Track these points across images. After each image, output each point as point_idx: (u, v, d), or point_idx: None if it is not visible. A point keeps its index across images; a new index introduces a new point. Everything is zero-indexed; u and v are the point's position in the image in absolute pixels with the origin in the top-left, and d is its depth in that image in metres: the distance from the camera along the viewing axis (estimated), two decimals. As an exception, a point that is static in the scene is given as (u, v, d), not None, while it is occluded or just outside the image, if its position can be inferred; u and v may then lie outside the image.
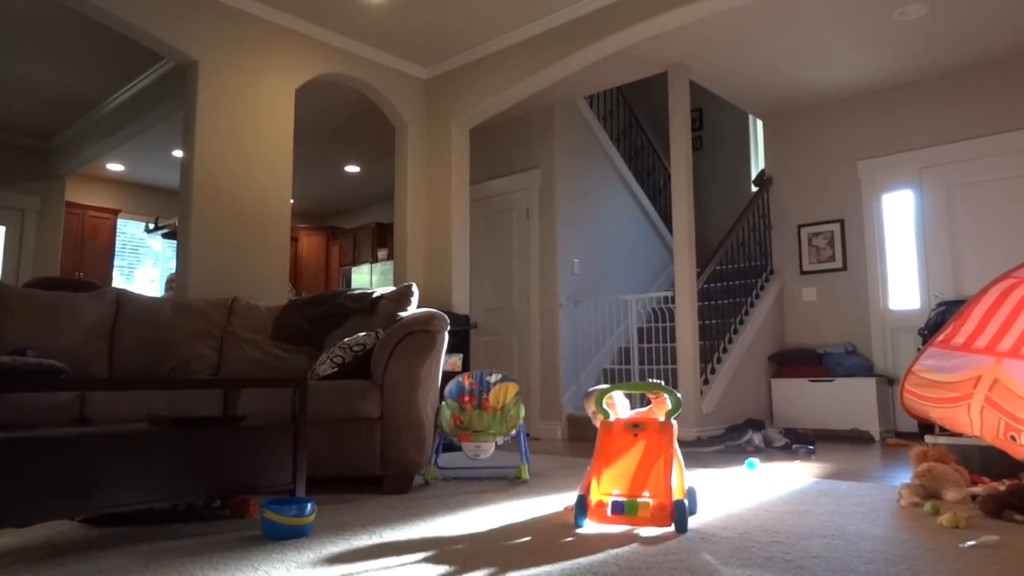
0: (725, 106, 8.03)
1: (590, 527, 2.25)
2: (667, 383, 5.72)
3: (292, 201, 5.02)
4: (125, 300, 3.68)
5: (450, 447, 3.61)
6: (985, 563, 1.85)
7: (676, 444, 2.39)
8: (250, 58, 4.70)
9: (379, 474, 3.01)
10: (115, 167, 8.04)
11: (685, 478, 2.45)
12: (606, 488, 2.28)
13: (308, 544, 2.08)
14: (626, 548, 2.00)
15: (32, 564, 1.89)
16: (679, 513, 2.16)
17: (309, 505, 2.21)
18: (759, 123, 7.93)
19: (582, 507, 2.26)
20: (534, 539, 2.13)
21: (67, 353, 3.29)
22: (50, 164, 7.48)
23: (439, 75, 5.72)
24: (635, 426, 2.34)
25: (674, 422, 2.36)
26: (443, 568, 1.82)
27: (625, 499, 2.21)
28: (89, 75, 5.87)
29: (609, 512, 2.20)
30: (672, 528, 2.19)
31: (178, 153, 7.48)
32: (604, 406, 2.46)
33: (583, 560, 1.88)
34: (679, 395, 2.39)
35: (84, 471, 1.97)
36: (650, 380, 2.49)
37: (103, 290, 3.75)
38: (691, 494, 2.46)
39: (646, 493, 2.23)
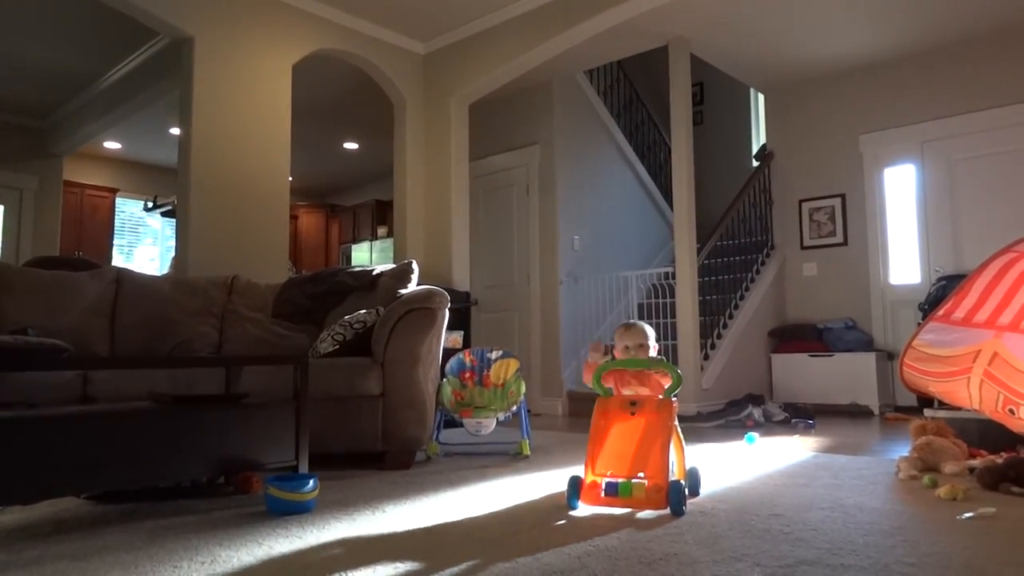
0: (726, 80, 7.93)
1: (585, 509, 2.16)
2: (667, 359, 5.73)
3: (291, 179, 4.99)
4: (125, 278, 3.68)
5: (451, 423, 3.63)
6: (982, 534, 1.87)
7: (677, 422, 2.28)
8: (246, 34, 4.65)
9: (381, 450, 3.03)
10: (112, 145, 8.00)
11: (687, 458, 2.36)
12: (601, 469, 2.15)
13: (311, 519, 2.10)
14: (624, 525, 2.02)
15: (38, 541, 1.91)
16: (675, 495, 2.06)
17: (312, 481, 2.23)
18: (760, 97, 7.85)
19: (575, 489, 2.15)
20: (526, 521, 2.14)
21: (68, 332, 3.29)
22: (47, 143, 7.44)
23: (437, 50, 5.66)
24: (633, 404, 2.22)
25: (674, 399, 2.24)
26: (436, 556, 1.84)
27: (619, 480, 2.10)
28: (84, 52, 5.81)
29: (603, 494, 2.10)
30: (668, 511, 2.09)
31: (175, 131, 7.43)
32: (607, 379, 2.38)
33: (589, 542, 1.89)
34: (680, 372, 2.26)
35: (88, 449, 1.99)
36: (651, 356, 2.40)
37: (103, 269, 3.75)
38: (693, 475, 2.35)
39: (642, 474, 2.10)
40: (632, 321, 2.52)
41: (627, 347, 2.38)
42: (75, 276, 3.54)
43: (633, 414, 2.19)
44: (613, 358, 2.43)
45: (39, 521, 2.14)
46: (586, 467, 2.17)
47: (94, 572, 1.62)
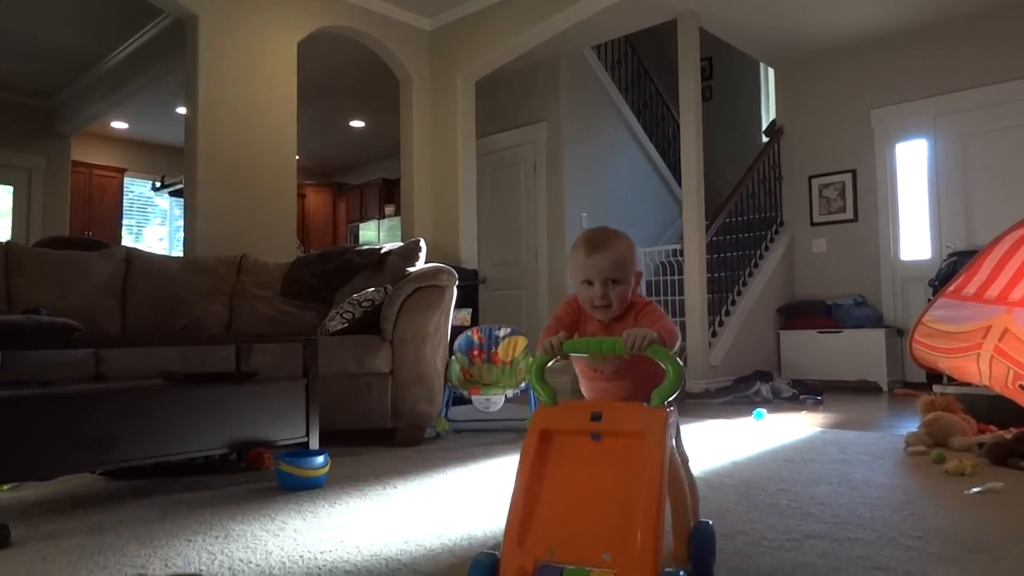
0: (736, 54, 7.83)
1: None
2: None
3: (297, 157, 4.99)
4: (135, 258, 3.70)
5: (460, 400, 3.66)
6: (989, 509, 1.87)
7: (676, 444, 1.31)
8: (251, 11, 4.62)
9: (391, 427, 3.05)
10: (119, 125, 7.99)
11: (698, 502, 1.47)
12: (536, 542, 1.13)
13: (323, 495, 2.12)
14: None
15: (56, 515, 1.95)
16: None
17: (323, 457, 2.25)
18: (771, 72, 7.75)
19: None
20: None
21: (79, 311, 3.31)
22: (54, 123, 7.44)
23: (443, 26, 5.60)
24: (596, 417, 1.21)
25: (670, 407, 1.24)
26: (446, 533, 1.86)
27: (566, 567, 1.09)
28: (89, 31, 5.78)
29: None
30: None
31: (182, 110, 7.41)
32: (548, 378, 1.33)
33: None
34: (679, 362, 1.25)
35: (102, 426, 2.01)
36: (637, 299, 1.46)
37: (113, 248, 3.77)
38: (702, 538, 1.32)
39: (608, 555, 1.09)
40: (596, 231, 1.44)
41: (589, 282, 1.40)
42: (85, 256, 3.56)
43: (598, 438, 1.21)
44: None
45: (56, 496, 2.18)
46: (506, 538, 1.14)
47: (110, 546, 1.65)
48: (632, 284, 1.42)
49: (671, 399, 1.24)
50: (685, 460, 1.44)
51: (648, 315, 1.41)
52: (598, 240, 1.41)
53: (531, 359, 1.26)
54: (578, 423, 1.23)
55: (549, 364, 1.33)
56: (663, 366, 1.24)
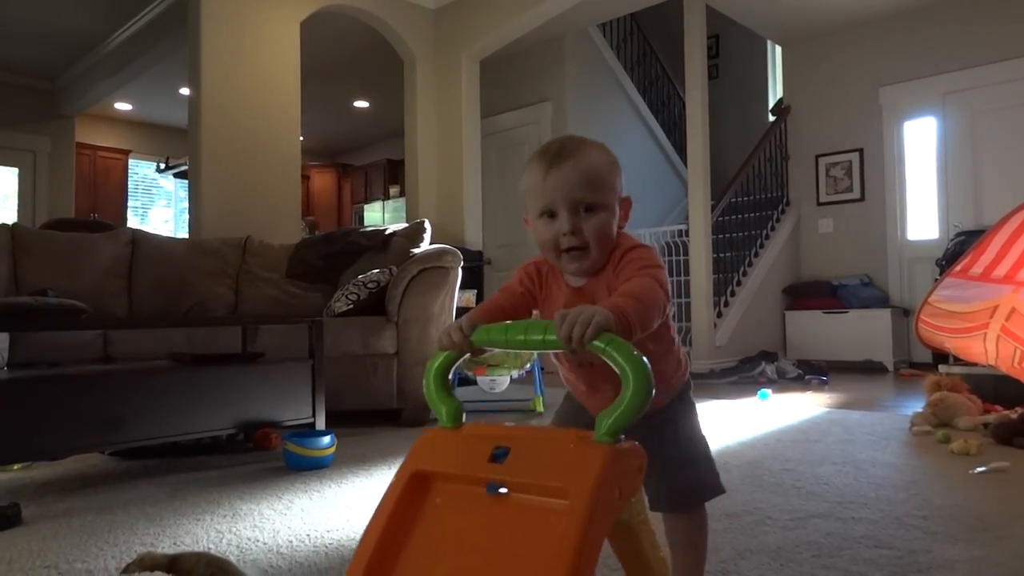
0: (743, 32, 7.74)
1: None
2: (680, 317, 5.71)
3: (302, 138, 4.97)
4: (141, 240, 3.70)
5: (466, 381, 3.67)
6: (994, 488, 1.88)
7: (641, 509, 0.86)
8: (253, -10, 4.57)
9: (397, 407, 3.07)
10: (123, 106, 7.97)
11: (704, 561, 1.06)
12: None
13: (329, 475, 2.14)
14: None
15: (66, 494, 1.97)
16: None
17: (329, 437, 2.27)
18: (778, 49, 7.67)
19: None
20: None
21: (86, 293, 3.32)
22: (58, 104, 7.42)
23: (448, 4, 5.55)
24: (499, 455, 0.72)
25: (625, 441, 0.70)
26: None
27: None
28: (91, 11, 5.74)
29: None
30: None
31: (185, 91, 7.39)
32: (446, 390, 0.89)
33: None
34: (647, 364, 0.70)
35: (111, 407, 2.03)
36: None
37: (118, 230, 3.78)
38: None
39: None
40: (556, 139, 0.97)
41: (551, 213, 0.94)
42: (92, 238, 3.57)
43: (499, 490, 0.71)
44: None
45: (67, 476, 2.20)
46: None
47: (120, 524, 1.67)
48: (618, 214, 0.96)
49: (625, 427, 0.70)
50: (705, 488, 1.03)
51: (629, 265, 0.92)
52: (560, 149, 0.94)
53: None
54: (470, 465, 0.75)
55: (458, 364, 0.88)
56: (617, 371, 0.71)
